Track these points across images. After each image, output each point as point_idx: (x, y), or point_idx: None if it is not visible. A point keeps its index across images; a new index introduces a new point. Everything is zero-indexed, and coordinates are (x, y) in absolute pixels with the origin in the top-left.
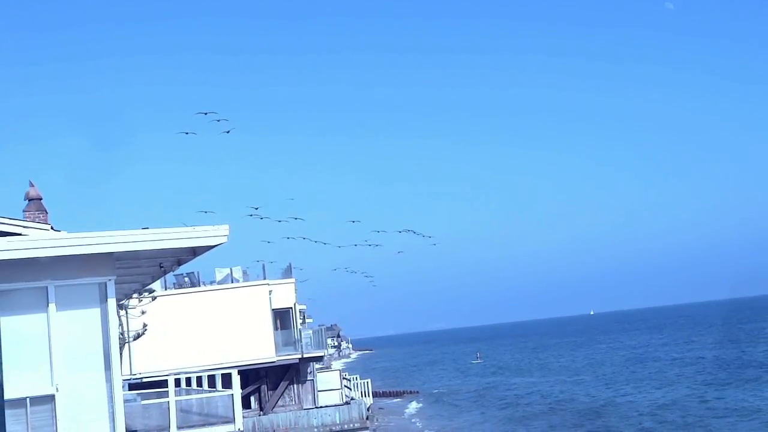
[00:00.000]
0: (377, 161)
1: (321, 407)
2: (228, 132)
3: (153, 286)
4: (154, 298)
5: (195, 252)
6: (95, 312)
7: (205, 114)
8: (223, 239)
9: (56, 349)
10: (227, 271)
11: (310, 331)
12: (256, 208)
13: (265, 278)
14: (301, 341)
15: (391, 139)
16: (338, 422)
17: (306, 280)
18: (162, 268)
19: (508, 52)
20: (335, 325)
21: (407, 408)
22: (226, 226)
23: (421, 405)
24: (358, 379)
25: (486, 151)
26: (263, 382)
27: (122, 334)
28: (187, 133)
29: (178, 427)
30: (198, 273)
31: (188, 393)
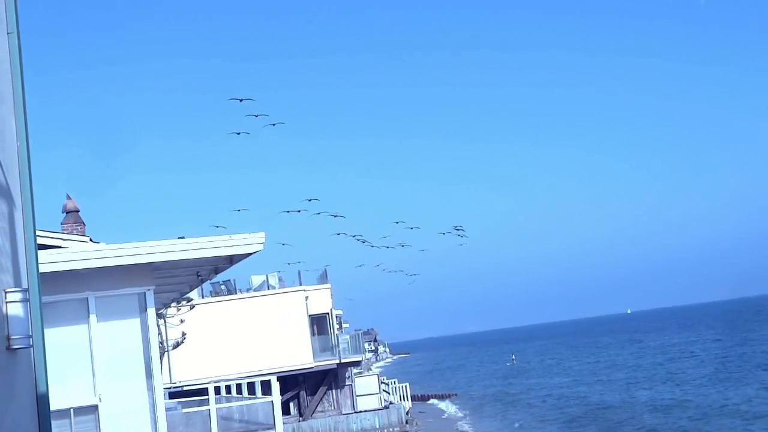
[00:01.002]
0: (403, 163)
1: (360, 412)
2: (274, 125)
3: (190, 294)
4: (192, 307)
5: (232, 260)
6: (135, 322)
7: (241, 101)
8: (260, 247)
9: (98, 360)
10: (263, 277)
11: (347, 336)
12: (310, 200)
13: (301, 284)
14: (338, 346)
15: (416, 141)
16: (378, 427)
17: (350, 299)
18: (199, 277)
19: (533, 50)
20: (372, 329)
21: (447, 411)
22: (263, 234)
23: (460, 407)
24: (397, 383)
25: (514, 149)
26: (302, 387)
27: (162, 342)
28: (239, 133)
29: None
30: (234, 281)
31: (228, 400)
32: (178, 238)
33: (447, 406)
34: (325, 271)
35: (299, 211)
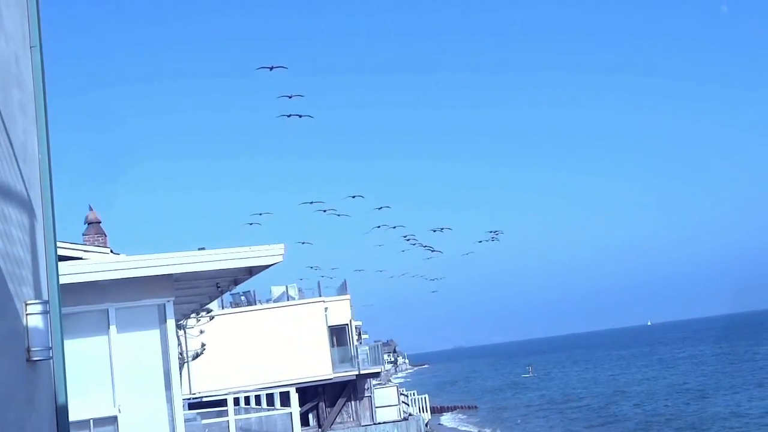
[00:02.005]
0: (427, 183)
1: (379, 423)
2: (311, 117)
3: (210, 305)
4: (211, 318)
5: (251, 272)
6: (155, 333)
7: (290, 97)
8: (279, 258)
9: (117, 371)
10: (283, 288)
11: (366, 348)
12: (310, 201)
13: (320, 295)
14: (357, 358)
15: (448, 163)
16: None
17: (371, 305)
18: (219, 288)
19: (544, 70)
20: (391, 340)
21: (465, 423)
22: (282, 245)
23: (479, 419)
24: (416, 394)
25: (530, 164)
26: (321, 399)
27: (181, 354)
28: (298, 116)
29: None
30: (254, 291)
31: (247, 411)
32: (199, 249)
33: (466, 418)
34: (345, 282)
35: (325, 211)
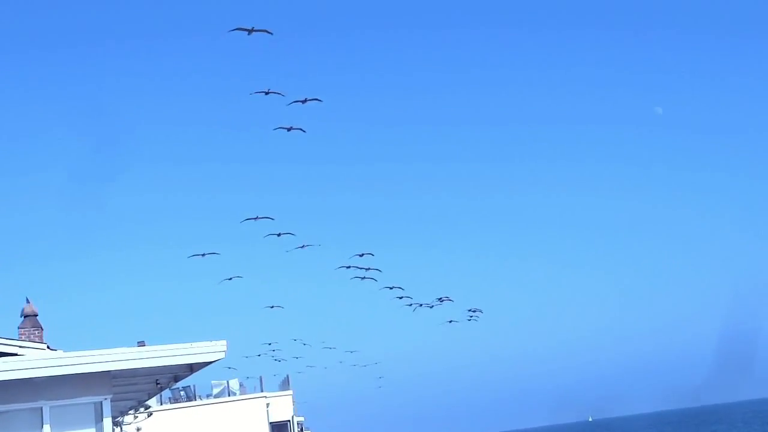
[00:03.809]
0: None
1: None
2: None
3: (149, 401)
4: (149, 414)
5: (192, 368)
6: None
7: (303, 102)
8: (221, 355)
9: None
10: (224, 383)
11: None
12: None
13: (262, 390)
14: None
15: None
16: None
17: (305, 402)
18: (158, 385)
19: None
20: None
21: None
22: (224, 342)
23: None
24: None
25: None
26: None
27: None
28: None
29: None
30: (194, 387)
31: None
32: (138, 343)
33: None
34: (287, 377)
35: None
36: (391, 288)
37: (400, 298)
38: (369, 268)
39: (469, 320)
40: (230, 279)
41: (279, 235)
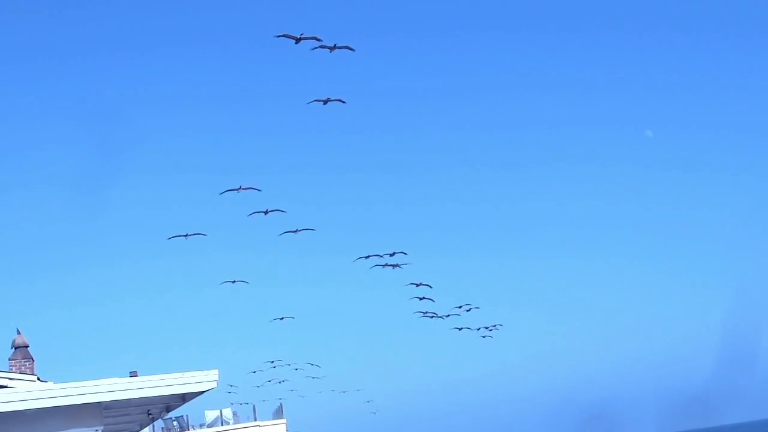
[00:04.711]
0: None
1: None
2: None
3: None
4: None
5: (184, 398)
6: None
7: (325, 102)
8: (213, 384)
9: None
10: (217, 412)
11: None
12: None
13: (255, 419)
14: None
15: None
16: None
17: None
18: (150, 416)
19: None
20: None
21: None
22: (216, 371)
23: None
24: None
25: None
26: None
27: None
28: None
29: None
30: (187, 416)
31: None
32: (130, 373)
33: None
34: (281, 406)
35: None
36: (417, 285)
37: (421, 299)
38: (395, 265)
39: (483, 338)
40: (233, 282)
41: (266, 212)
